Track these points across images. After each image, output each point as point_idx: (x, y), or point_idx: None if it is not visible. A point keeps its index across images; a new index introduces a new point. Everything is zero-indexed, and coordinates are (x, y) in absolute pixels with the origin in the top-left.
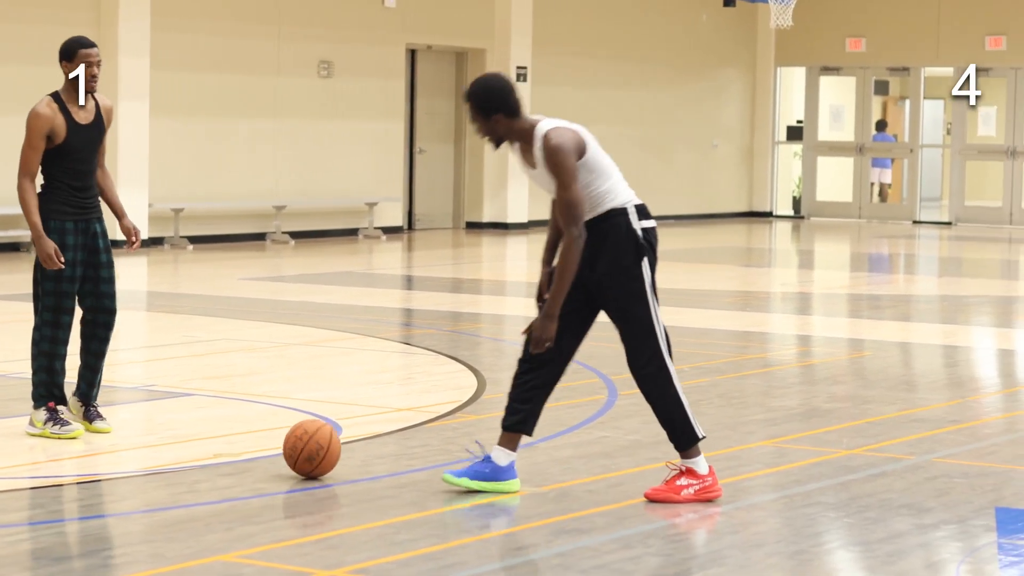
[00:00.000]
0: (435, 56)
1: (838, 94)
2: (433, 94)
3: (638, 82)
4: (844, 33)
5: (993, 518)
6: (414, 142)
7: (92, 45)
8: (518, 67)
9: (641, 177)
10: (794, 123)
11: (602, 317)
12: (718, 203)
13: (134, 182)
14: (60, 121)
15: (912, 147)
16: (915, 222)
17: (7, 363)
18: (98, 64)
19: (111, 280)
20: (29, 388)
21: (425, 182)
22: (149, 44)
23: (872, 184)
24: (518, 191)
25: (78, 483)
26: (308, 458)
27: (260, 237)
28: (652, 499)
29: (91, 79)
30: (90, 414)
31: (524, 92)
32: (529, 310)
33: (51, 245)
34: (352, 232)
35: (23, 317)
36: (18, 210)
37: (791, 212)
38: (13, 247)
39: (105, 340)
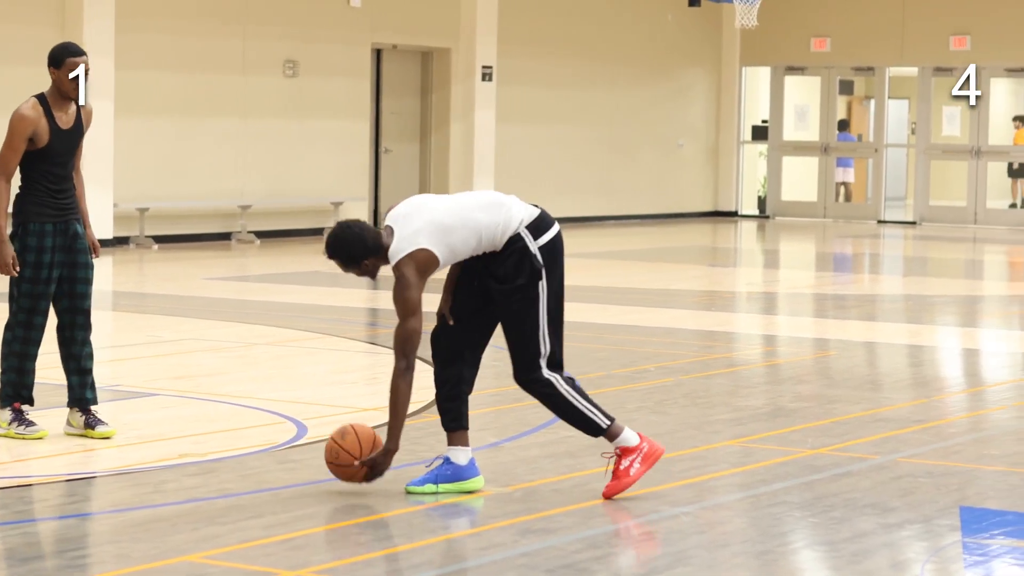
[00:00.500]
0: (401, 56)
1: (803, 94)
2: (399, 94)
3: (603, 82)
4: (809, 33)
5: (958, 517)
6: (380, 142)
7: (81, 53)
8: (484, 66)
9: (606, 176)
10: (759, 123)
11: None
12: (683, 202)
13: (99, 182)
14: (44, 124)
15: (877, 147)
16: (880, 222)
17: None
18: (86, 72)
19: (88, 281)
20: None
21: (391, 182)
22: (113, 44)
23: (837, 184)
24: (484, 190)
25: (44, 483)
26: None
27: (226, 237)
28: (610, 496)
29: (77, 86)
30: (91, 421)
31: (489, 92)
32: None
33: (9, 253)
34: (318, 232)
35: None
36: None
37: (756, 212)
38: None
39: (86, 342)
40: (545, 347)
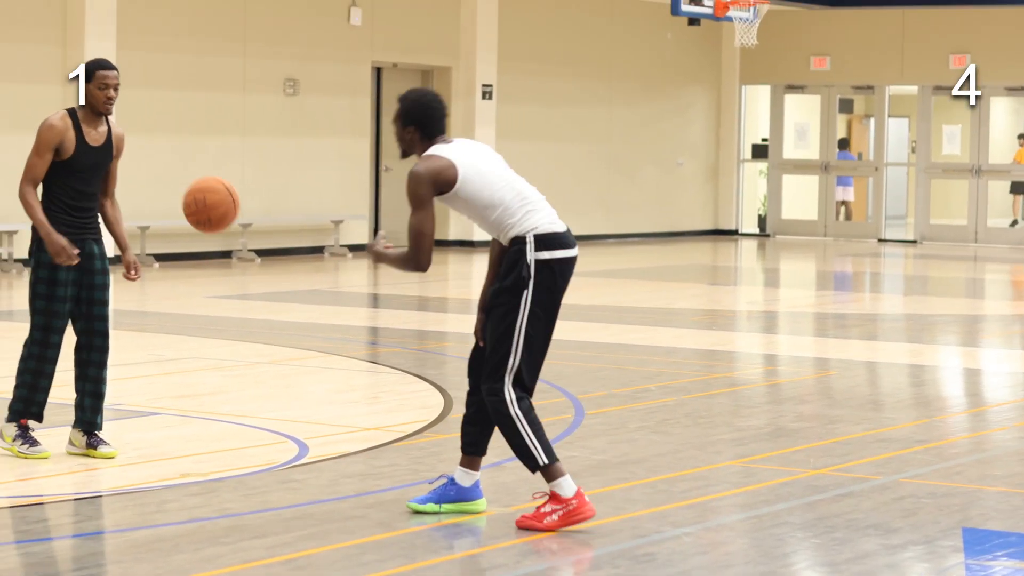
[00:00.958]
0: (401, 74)
1: (803, 112)
2: None
3: (603, 100)
4: (809, 52)
5: (960, 538)
6: (380, 160)
7: (112, 68)
8: (484, 85)
9: (606, 195)
10: (759, 141)
11: (558, 333)
12: (683, 221)
13: None
14: (71, 136)
15: (877, 165)
16: (880, 240)
17: None
18: (115, 87)
19: (104, 303)
20: (6, 405)
21: (391, 200)
22: (115, 62)
23: (837, 202)
24: None
25: (47, 503)
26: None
27: (226, 255)
28: (519, 527)
29: (107, 101)
30: (93, 442)
31: (490, 110)
32: None
33: (61, 240)
34: (318, 250)
35: (3, 335)
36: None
37: (756, 230)
38: None
39: (102, 365)
40: (513, 360)
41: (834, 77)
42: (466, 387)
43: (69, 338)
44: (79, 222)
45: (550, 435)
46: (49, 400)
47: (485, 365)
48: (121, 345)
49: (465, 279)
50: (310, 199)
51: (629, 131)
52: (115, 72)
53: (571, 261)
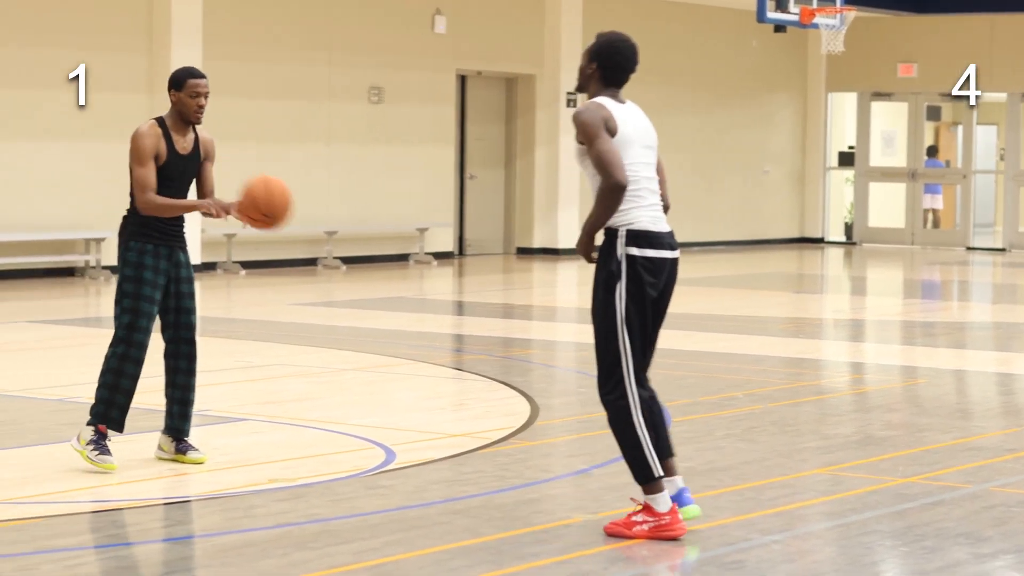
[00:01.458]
0: (485, 82)
1: (890, 120)
2: (483, 120)
3: (689, 108)
4: (896, 58)
5: None
6: (464, 168)
7: (202, 76)
8: (567, 93)
9: (691, 203)
10: (846, 149)
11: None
12: (769, 229)
13: None
14: (163, 146)
15: (965, 173)
16: (968, 248)
17: (64, 388)
18: (205, 95)
19: (191, 311)
20: (84, 414)
21: (476, 207)
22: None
23: (925, 210)
24: (569, 216)
25: (135, 507)
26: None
27: (312, 262)
28: (607, 533)
29: (198, 109)
30: (183, 447)
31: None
32: (582, 335)
33: (207, 203)
34: (403, 258)
35: (80, 342)
36: (72, 234)
37: (843, 238)
38: (68, 271)
39: (190, 372)
40: (626, 360)
41: (921, 84)
42: (555, 393)
43: (159, 345)
44: (168, 228)
45: None
46: (138, 406)
47: (598, 369)
48: (208, 352)
49: (550, 286)
50: (395, 207)
51: (715, 139)
52: (205, 80)
53: (664, 262)
